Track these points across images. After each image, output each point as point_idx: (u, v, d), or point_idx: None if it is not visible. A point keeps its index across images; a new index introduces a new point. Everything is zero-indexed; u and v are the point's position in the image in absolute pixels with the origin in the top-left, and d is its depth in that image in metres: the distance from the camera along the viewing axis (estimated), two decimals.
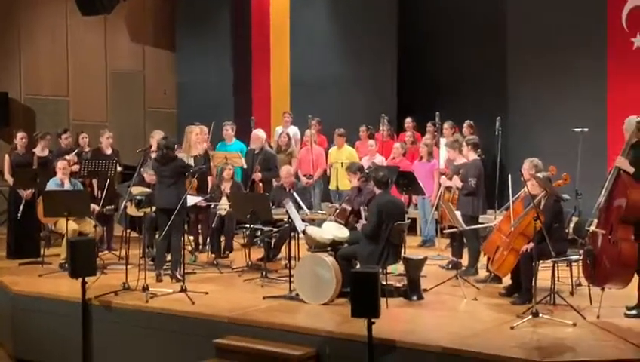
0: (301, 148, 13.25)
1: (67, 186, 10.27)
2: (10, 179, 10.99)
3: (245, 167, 11.33)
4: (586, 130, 10.46)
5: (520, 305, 7.87)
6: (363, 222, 8.85)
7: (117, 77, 15.52)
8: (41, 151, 11.30)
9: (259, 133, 11.83)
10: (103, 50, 15.34)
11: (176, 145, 10.14)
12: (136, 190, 9.79)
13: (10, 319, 9.33)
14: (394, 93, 14.48)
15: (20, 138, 11.19)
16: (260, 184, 11.32)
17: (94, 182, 11.20)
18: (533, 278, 7.67)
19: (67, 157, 11.06)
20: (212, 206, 10.54)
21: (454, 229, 9.50)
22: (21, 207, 10.71)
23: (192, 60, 15.36)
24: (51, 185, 10.20)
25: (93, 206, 10.21)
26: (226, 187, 10.71)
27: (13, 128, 12.72)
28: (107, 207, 10.49)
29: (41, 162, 11.14)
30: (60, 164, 10.34)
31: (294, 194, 10.21)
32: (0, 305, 9.71)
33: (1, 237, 11.70)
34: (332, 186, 12.49)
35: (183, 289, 8.48)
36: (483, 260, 9.32)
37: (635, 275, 7.38)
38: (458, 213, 9.27)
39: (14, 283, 9.50)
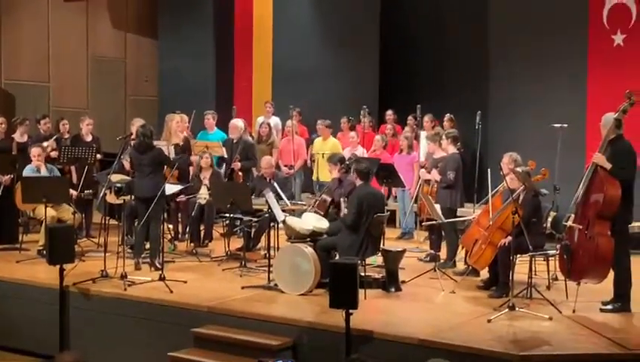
0: (282, 138, 13.23)
1: (44, 172, 10.21)
2: None
3: (226, 156, 11.30)
4: (565, 126, 10.52)
5: (497, 299, 7.89)
6: (343, 213, 8.86)
7: (98, 64, 15.43)
8: (20, 136, 11.23)
9: (237, 122, 11.80)
10: (84, 36, 15.23)
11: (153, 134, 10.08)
12: (115, 178, 9.73)
13: None
14: (375, 85, 14.51)
15: None
16: (240, 173, 11.31)
17: (73, 168, 11.14)
18: (511, 272, 7.70)
19: (45, 143, 11.02)
20: (192, 195, 10.51)
21: (433, 222, 9.52)
22: None
23: (174, 48, 15.29)
24: (27, 171, 10.13)
25: (71, 191, 10.16)
26: (206, 176, 10.68)
27: None
28: (85, 192, 10.42)
29: (20, 148, 11.08)
30: (35, 151, 10.26)
31: (275, 184, 10.20)
32: None
33: None
34: (314, 177, 12.49)
35: (162, 278, 8.45)
36: (461, 253, 9.35)
37: (611, 270, 7.43)
38: (437, 206, 9.30)
39: None
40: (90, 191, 10.48)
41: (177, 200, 10.42)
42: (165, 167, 9.53)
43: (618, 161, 7.31)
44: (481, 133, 11.71)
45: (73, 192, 10.25)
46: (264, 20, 15.12)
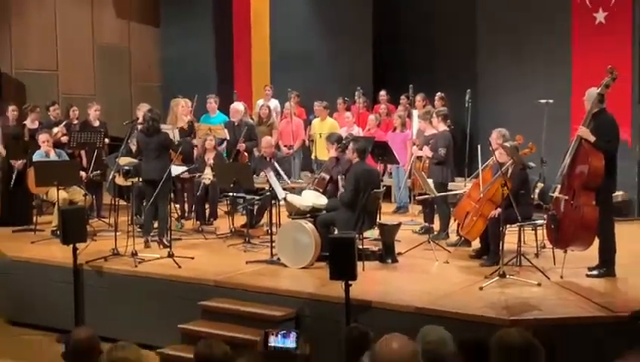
0: (281, 120, 13.21)
1: (53, 157, 10.20)
2: (2, 151, 10.93)
3: (228, 138, 11.28)
4: (551, 101, 10.50)
5: (488, 267, 7.92)
6: (341, 190, 8.87)
7: (104, 52, 15.34)
8: (31, 123, 11.20)
9: (238, 106, 11.80)
10: (89, 25, 15.14)
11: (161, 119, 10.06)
12: (124, 161, 9.73)
13: (5, 284, 9.29)
14: (369, 67, 14.45)
15: (12, 111, 11.12)
16: (245, 154, 11.31)
17: (83, 153, 11.13)
18: (501, 242, 7.71)
19: (56, 129, 11.01)
20: (197, 175, 10.51)
21: (426, 196, 9.53)
22: (13, 177, 10.65)
23: (176, 36, 15.21)
24: (37, 156, 10.11)
25: (81, 173, 10.15)
26: (210, 157, 10.68)
27: (5, 101, 12.58)
28: (94, 173, 10.41)
29: (31, 134, 11.04)
30: (43, 137, 10.24)
31: (275, 163, 10.20)
32: None
33: None
34: (312, 156, 12.48)
35: (170, 255, 8.48)
36: (453, 225, 9.37)
37: (596, 238, 7.45)
38: (430, 181, 9.30)
39: (8, 249, 9.46)
40: (99, 171, 10.47)
41: (182, 177, 10.40)
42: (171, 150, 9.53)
43: (602, 133, 7.31)
44: (471, 110, 11.69)
45: (83, 174, 10.25)
46: (261, 8, 15.04)
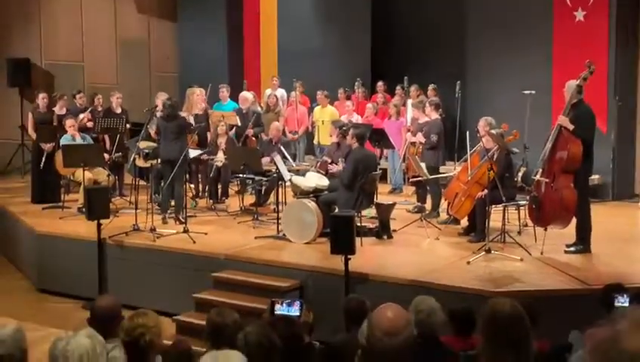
0: (287, 107, 13.17)
1: (78, 140, 10.20)
2: (33, 134, 10.92)
3: (240, 124, 11.26)
4: (534, 92, 10.45)
5: (475, 243, 7.93)
6: (332, 166, 8.83)
7: (126, 45, 15.29)
8: (59, 110, 11.18)
9: (247, 95, 11.80)
10: (112, 20, 15.08)
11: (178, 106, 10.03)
12: (143, 144, 9.73)
13: (35, 256, 9.32)
14: (368, 59, 14.41)
15: (42, 98, 11.08)
16: (254, 138, 11.29)
17: (107, 137, 11.11)
18: (487, 220, 7.73)
19: (82, 115, 11.00)
20: (210, 158, 10.50)
21: (419, 178, 9.52)
22: (43, 159, 10.63)
23: (191, 30, 15.13)
24: (64, 140, 10.10)
25: (105, 156, 10.15)
26: (222, 142, 10.65)
27: (35, 90, 12.56)
28: (116, 155, 10.40)
29: (59, 119, 11.03)
30: (69, 122, 10.24)
31: (281, 148, 10.18)
32: (26, 244, 9.70)
33: (26, 185, 11.62)
34: (315, 141, 12.46)
35: (186, 230, 8.48)
36: (444, 205, 9.37)
37: (574, 217, 7.44)
38: (423, 165, 9.28)
39: (38, 224, 9.47)
40: (120, 153, 10.45)
41: (202, 158, 10.38)
42: (187, 133, 9.51)
43: (580, 122, 7.29)
44: (461, 100, 11.64)
45: (106, 156, 10.24)
46: (270, 6, 14.95)
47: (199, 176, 11.10)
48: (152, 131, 10.05)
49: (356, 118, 11.73)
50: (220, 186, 10.66)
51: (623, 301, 4.84)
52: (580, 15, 11.17)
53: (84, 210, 9.06)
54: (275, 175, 9.12)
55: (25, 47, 13.83)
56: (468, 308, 4.77)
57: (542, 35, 11.51)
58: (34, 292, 9.16)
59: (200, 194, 11.03)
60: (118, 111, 11.40)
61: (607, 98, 10.90)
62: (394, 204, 8.83)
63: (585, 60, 7.49)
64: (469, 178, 8.19)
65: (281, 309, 4.73)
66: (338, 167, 8.92)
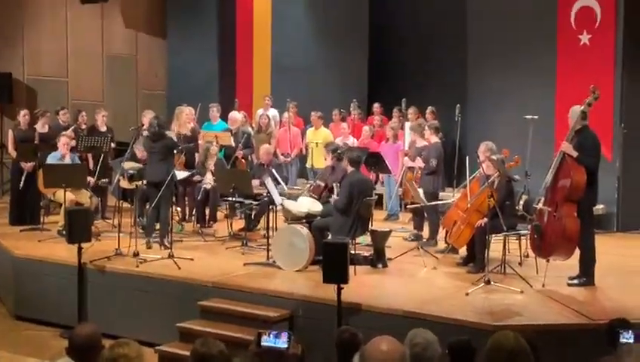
0: (280, 128, 13.21)
1: (67, 160, 10.17)
2: (13, 153, 10.91)
3: (233, 145, 11.28)
4: (536, 117, 10.50)
5: (474, 274, 7.91)
6: (335, 197, 8.85)
7: (112, 60, 15.34)
8: (41, 127, 11.18)
9: (236, 115, 11.91)
10: (99, 35, 15.15)
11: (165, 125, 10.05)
12: (128, 165, 9.72)
13: (12, 280, 9.25)
14: (364, 80, 14.52)
15: (23, 115, 11.09)
16: (243, 160, 11.31)
17: (90, 156, 11.10)
18: (486, 250, 7.72)
19: (67, 133, 10.99)
20: (198, 180, 10.49)
21: (416, 205, 9.53)
22: (23, 178, 10.60)
23: (181, 46, 15.22)
24: (52, 158, 10.09)
25: (89, 178, 10.14)
26: (211, 163, 10.66)
27: (17, 106, 12.57)
28: (102, 180, 10.40)
29: (41, 138, 11.03)
30: (63, 140, 10.23)
31: (273, 170, 10.19)
32: (2, 267, 9.63)
33: (4, 205, 11.59)
34: (308, 164, 12.47)
35: (171, 256, 8.45)
36: (442, 233, 9.36)
37: (577, 248, 7.44)
38: (420, 191, 9.30)
39: (16, 247, 9.41)
40: (107, 180, 10.45)
41: (190, 180, 10.38)
42: (175, 153, 9.51)
43: (584, 149, 7.32)
44: (460, 124, 11.71)
45: (90, 179, 10.22)
46: (263, 21, 15.05)
47: (186, 198, 11.09)
48: (138, 151, 10.05)
49: (352, 141, 11.77)
50: (207, 210, 10.64)
51: (628, 337, 4.82)
52: (585, 38, 11.27)
53: (64, 232, 9.03)
54: (265, 199, 9.11)
55: (7, 61, 13.85)
56: (467, 341, 4.75)
57: (545, 58, 11.60)
58: (10, 319, 9.08)
59: (187, 217, 11.01)
60: (103, 129, 11.41)
61: (613, 125, 10.97)
62: (390, 232, 8.82)
63: (589, 85, 7.53)
64: (469, 205, 8.20)
65: (268, 341, 4.69)
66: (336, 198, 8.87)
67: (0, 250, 9.71)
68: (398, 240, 9.69)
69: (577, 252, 7.48)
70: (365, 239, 9.05)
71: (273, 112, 13.44)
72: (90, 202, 9.92)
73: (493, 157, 8.29)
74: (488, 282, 7.39)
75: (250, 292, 7.57)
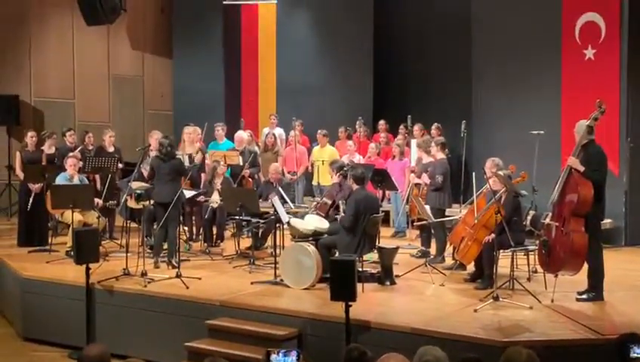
0: (286, 147, 13.23)
1: (76, 181, 10.20)
2: (21, 174, 10.95)
3: (242, 164, 11.31)
4: (542, 132, 10.51)
5: (482, 290, 7.89)
6: (342, 214, 8.84)
7: (119, 81, 15.44)
8: (48, 148, 11.24)
9: (242, 134, 11.96)
10: (106, 56, 15.25)
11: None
12: (135, 185, 9.74)
13: (20, 301, 9.25)
14: (370, 97, 14.54)
15: (30, 137, 11.16)
16: (250, 179, 11.33)
17: (97, 177, 11.14)
18: (494, 266, 7.69)
19: (74, 153, 11.03)
20: (205, 200, 10.51)
21: (423, 221, 9.52)
22: (30, 200, 10.64)
23: (187, 67, 15.30)
24: (61, 179, 10.12)
25: (97, 199, 10.17)
26: (218, 183, 10.68)
27: (24, 128, 12.64)
28: (110, 202, 10.43)
29: (48, 159, 11.09)
30: (71, 161, 10.25)
31: (280, 189, 10.19)
32: (10, 289, 9.65)
33: (12, 226, 11.62)
34: (314, 182, 12.49)
35: (178, 275, 8.45)
36: (449, 249, 9.35)
37: (585, 263, 7.42)
38: (427, 207, 9.29)
39: (24, 268, 9.42)
40: (114, 201, 10.47)
41: (197, 200, 10.41)
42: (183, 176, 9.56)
43: (591, 163, 7.31)
44: (466, 140, 11.71)
45: (99, 201, 10.25)
46: (269, 41, 15.12)
47: (193, 218, 11.10)
48: (145, 171, 10.07)
49: (358, 158, 11.78)
50: (215, 229, 10.64)
51: (639, 352, 4.79)
52: (589, 53, 11.29)
53: (72, 253, 9.04)
54: (272, 217, 9.11)
55: (14, 83, 13.94)
56: (476, 358, 4.73)
57: (550, 73, 11.62)
58: (18, 341, 9.07)
59: (194, 237, 11.02)
60: (111, 149, 11.45)
61: (619, 139, 10.96)
62: (397, 248, 8.80)
63: (595, 99, 7.53)
64: (476, 221, 8.18)
65: (277, 359, 4.68)
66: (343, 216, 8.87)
67: (8, 272, 9.73)
68: (405, 257, 9.67)
69: (585, 266, 7.45)
70: (372, 256, 9.03)
71: (279, 131, 13.48)
72: (98, 222, 9.93)
73: (500, 172, 8.28)
74: (497, 298, 7.36)
75: (258, 311, 7.55)
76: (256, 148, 12.07)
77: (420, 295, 8.13)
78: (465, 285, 8.38)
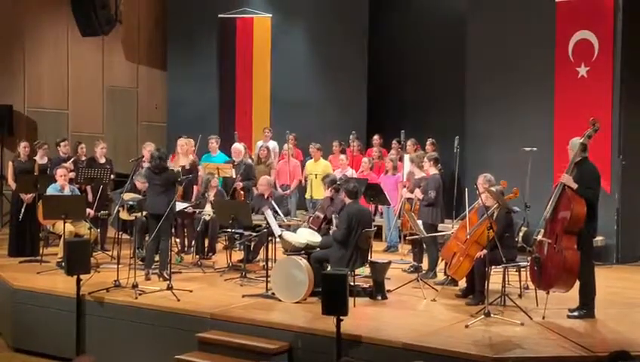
0: (279, 160, 13.24)
1: (67, 191, 10.16)
2: (13, 185, 10.94)
3: (234, 176, 11.30)
4: (535, 149, 10.54)
5: (474, 306, 7.89)
6: (334, 228, 8.84)
7: (112, 92, 15.43)
8: (40, 159, 11.22)
9: (239, 147, 11.93)
10: (100, 67, 15.25)
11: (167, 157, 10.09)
12: (128, 196, 9.73)
13: (10, 312, 9.21)
14: (364, 112, 14.58)
15: (23, 147, 11.15)
16: (242, 192, 11.32)
17: (89, 188, 11.11)
18: (486, 282, 7.69)
19: (64, 164, 11.00)
20: (197, 212, 10.49)
21: (415, 236, 9.52)
22: (22, 210, 10.61)
23: (181, 78, 15.32)
24: (51, 190, 10.09)
25: (88, 210, 10.14)
26: (211, 195, 10.67)
27: (17, 138, 12.61)
28: (101, 212, 10.41)
29: (41, 169, 11.07)
30: (60, 172, 10.22)
31: (272, 202, 10.19)
32: (1, 299, 9.60)
33: (3, 237, 11.58)
34: (307, 195, 12.49)
35: (169, 288, 8.42)
36: (441, 265, 9.35)
37: (577, 280, 7.42)
38: (419, 222, 9.29)
39: (15, 279, 9.38)
40: (107, 212, 10.45)
41: (188, 212, 10.40)
42: (176, 186, 9.54)
43: (584, 181, 7.33)
44: (459, 156, 11.73)
45: (90, 211, 10.22)
46: (263, 54, 15.14)
47: (185, 230, 11.09)
48: (138, 183, 10.06)
49: (351, 173, 11.78)
50: (207, 241, 10.62)
51: None
52: (582, 71, 11.34)
53: (63, 264, 9.01)
54: (264, 230, 9.10)
55: (7, 93, 13.92)
56: None
57: (543, 90, 11.65)
58: (8, 351, 9.02)
59: (186, 249, 11.00)
60: (102, 161, 11.43)
61: (611, 158, 11.00)
62: (389, 263, 8.79)
63: (588, 117, 7.57)
64: (468, 237, 8.19)
65: None
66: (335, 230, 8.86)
67: None
68: (397, 272, 9.67)
69: (577, 284, 7.46)
70: (364, 270, 9.02)
71: (273, 144, 13.49)
72: (90, 234, 9.90)
73: (492, 188, 8.30)
74: (488, 314, 7.37)
75: (249, 324, 7.53)
76: (250, 161, 12.08)
77: (411, 310, 8.12)
78: (456, 301, 8.38)
